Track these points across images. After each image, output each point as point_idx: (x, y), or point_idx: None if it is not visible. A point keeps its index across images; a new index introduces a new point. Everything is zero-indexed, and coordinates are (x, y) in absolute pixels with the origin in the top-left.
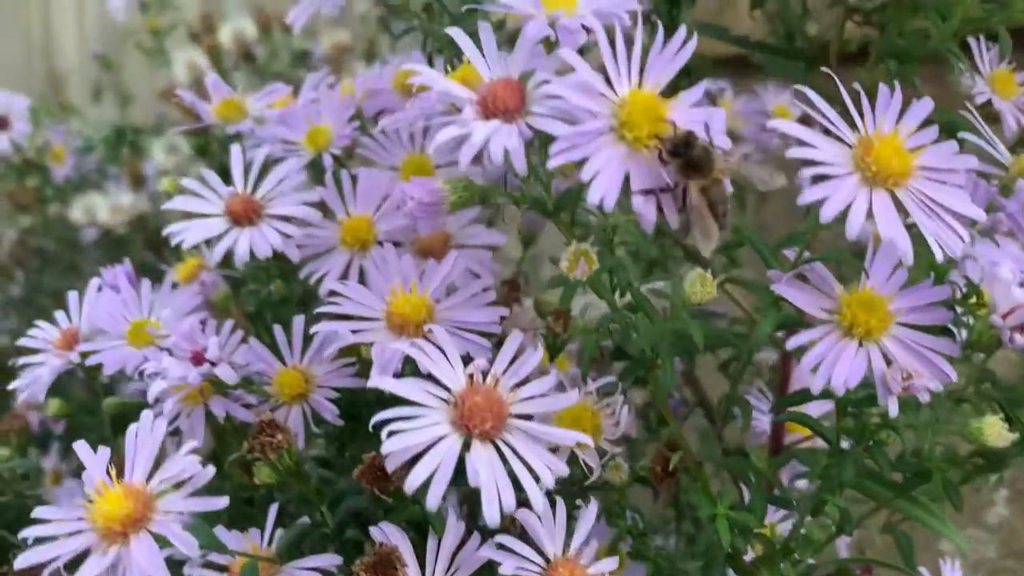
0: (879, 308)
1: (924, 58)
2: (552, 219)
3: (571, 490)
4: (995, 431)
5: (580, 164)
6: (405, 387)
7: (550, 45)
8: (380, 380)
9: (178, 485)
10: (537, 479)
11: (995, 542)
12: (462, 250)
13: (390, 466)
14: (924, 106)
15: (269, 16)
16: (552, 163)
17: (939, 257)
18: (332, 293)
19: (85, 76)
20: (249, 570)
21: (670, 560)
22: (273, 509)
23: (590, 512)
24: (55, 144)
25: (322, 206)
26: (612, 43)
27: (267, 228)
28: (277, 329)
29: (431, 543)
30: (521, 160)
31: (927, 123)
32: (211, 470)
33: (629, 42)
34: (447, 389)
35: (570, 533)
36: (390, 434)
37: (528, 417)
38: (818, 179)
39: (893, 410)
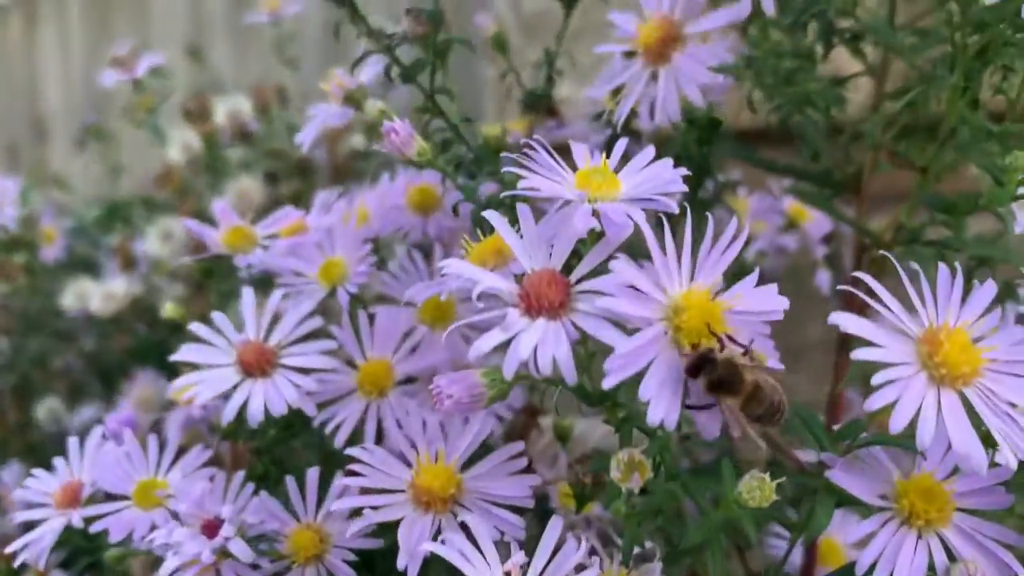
0: (939, 496)
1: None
2: (595, 406)
3: None
4: None
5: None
6: None
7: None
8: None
9: None
10: None
11: None
12: None
13: None
14: (987, 291)
15: (266, 92)
16: (608, 382)
17: (1011, 462)
18: (352, 459)
19: (69, 120)
20: None
21: None
22: None
23: None
24: (45, 225)
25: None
26: (658, 233)
27: (282, 380)
28: (290, 481)
29: None
30: (571, 370)
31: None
32: None
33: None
34: None
35: None
36: None
37: None
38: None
39: None
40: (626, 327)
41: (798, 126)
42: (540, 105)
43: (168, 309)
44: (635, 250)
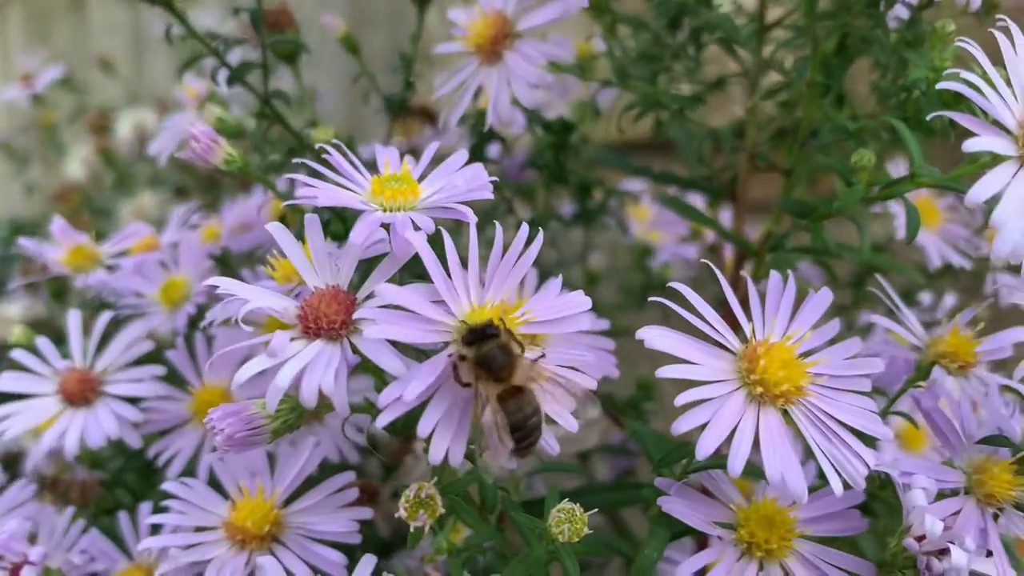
0: (781, 524)
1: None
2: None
3: None
4: None
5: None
6: None
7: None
8: None
9: None
10: None
11: None
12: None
13: None
14: (821, 299)
15: (169, 103)
16: (381, 421)
17: (836, 489)
18: (166, 496)
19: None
20: None
21: None
22: None
23: None
24: None
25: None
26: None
27: (103, 411)
28: (123, 516)
29: None
30: (343, 399)
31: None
32: None
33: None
34: None
35: None
36: None
37: None
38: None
39: None
40: (425, 351)
41: (675, 133)
42: (398, 109)
43: (17, 335)
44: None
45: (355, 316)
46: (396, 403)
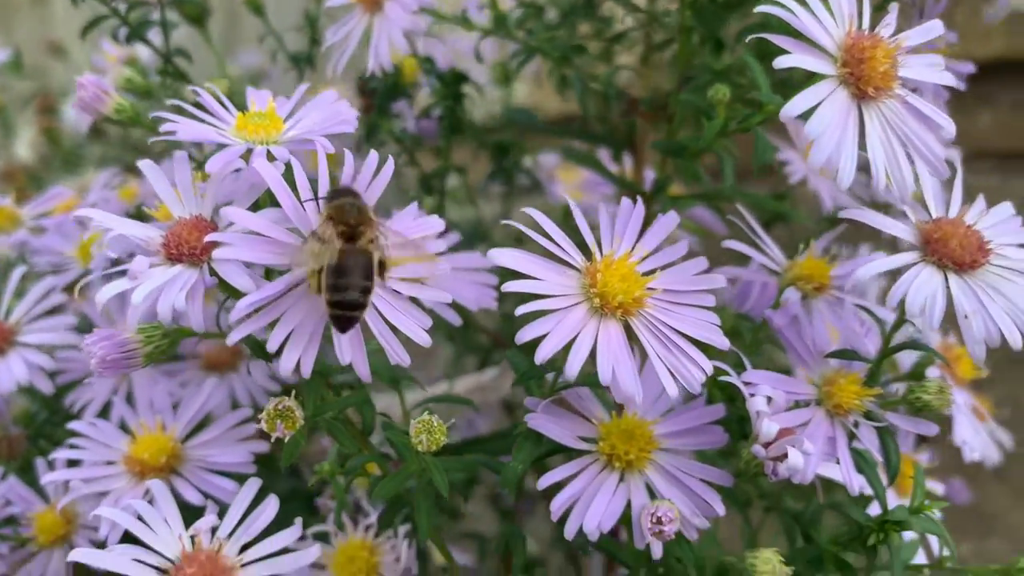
0: (640, 436)
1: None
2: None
3: None
4: (768, 568)
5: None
6: (113, 560)
7: None
8: (83, 554)
9: None
10: None
11: None
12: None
13: None
14: (667, 221)
15: None
16: (232, 338)
17: (671, 391)
18: (72, 433)
19: None
20: None
21: None
22: None
23: None
24: None
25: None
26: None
27: (15, 359)
28: (40, 463)
29: None
30: (198, 317)
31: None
32: None
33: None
34: (165, 557)
35: None
36: None
37: None
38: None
39: (656, 552)
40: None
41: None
42: (305, 65)
43: None
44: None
45: (208, 238)
46: (244, 320)
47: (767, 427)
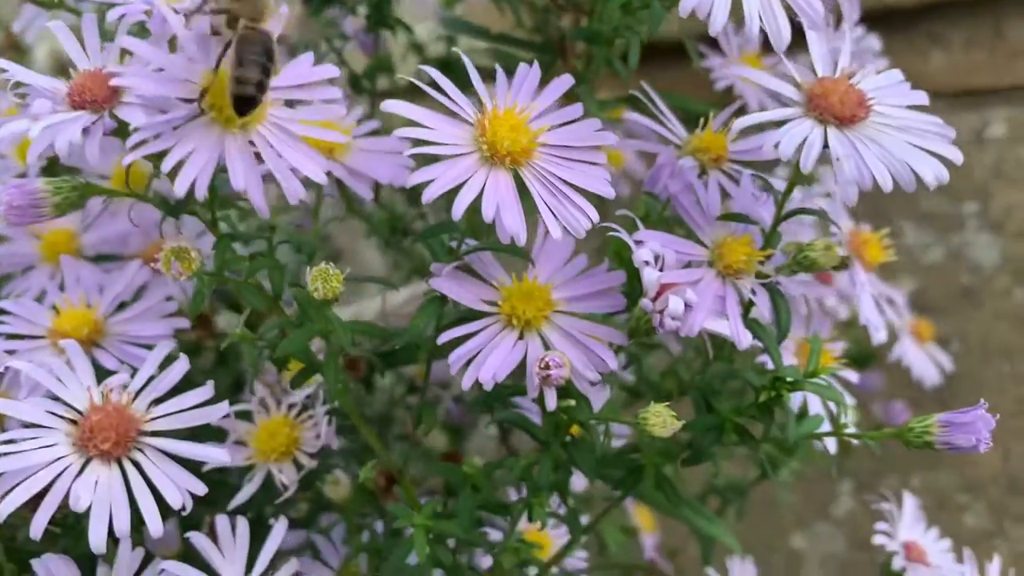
0: (540, 297)
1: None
2: (192, 215)
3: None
4: (659, 420)
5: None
6: (24, 409)
7: None
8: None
9: None
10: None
11: (843, 535)
12: None
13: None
14: (562, 83)
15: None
16: (129, 157)
17: (555, 233)
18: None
19: None
20: None
21: None
22: None
23: (277, 529)
24: None
25: None
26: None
27: None
28: None
29: (101, 572)
30: (93, 152)
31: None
32: None
33: None
34: (76, 410)
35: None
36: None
37: (166, 434)
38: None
39: (551, 403)
40: None
41: None
42: None
43: None
44: None
45: (112, 83)
46: (139, 145)
47: (648, 274)
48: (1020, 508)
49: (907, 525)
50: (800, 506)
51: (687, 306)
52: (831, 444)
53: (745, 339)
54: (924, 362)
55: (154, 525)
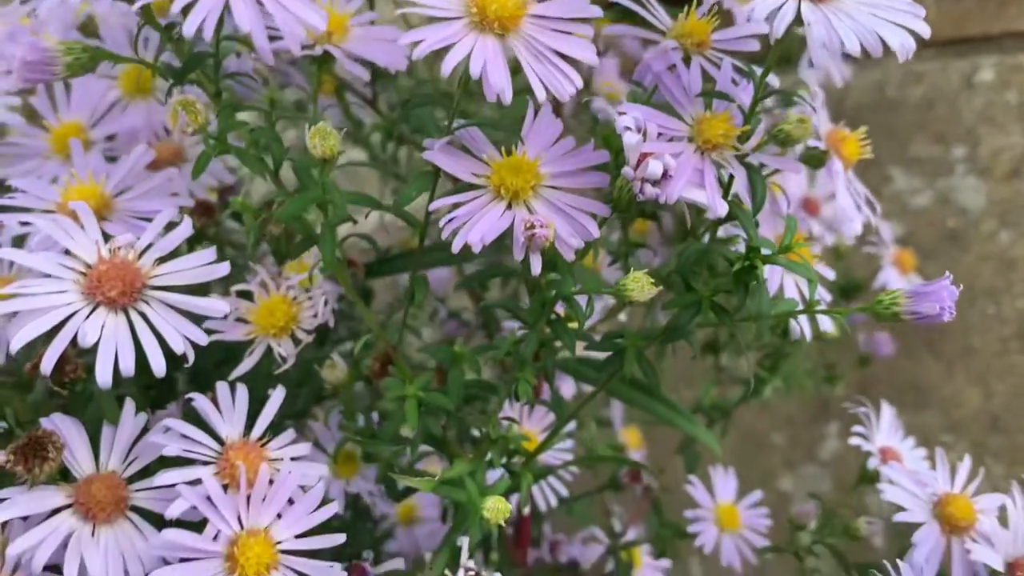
0: (528, 171)
1: None
2: (198, 85)
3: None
4: (638, 285)
5: None
6: (37, 260)
7: None
8: (9, 252)
9: None
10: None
11: (829, 476)
12: None
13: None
14: None
15: None
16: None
17: (539, 95)
18: (10, 189)
19: None
20: None
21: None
22: None
23: (275, 396)
24: None
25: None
26: None
27: None
28: None
29: (106, 432)
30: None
31: None
32: None
33: None
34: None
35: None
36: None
37: (170, 289)
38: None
39: (535, 267)
40: None
41: None
42: None
43: None
44: None
45: None
46: None
47: (629, 138)
48: (1000, 445)
49: (884, 432)
50: (787, 449)
51: (666, 175)
52: (807, 329)
53: (721, 208)
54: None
55: (157, 365)
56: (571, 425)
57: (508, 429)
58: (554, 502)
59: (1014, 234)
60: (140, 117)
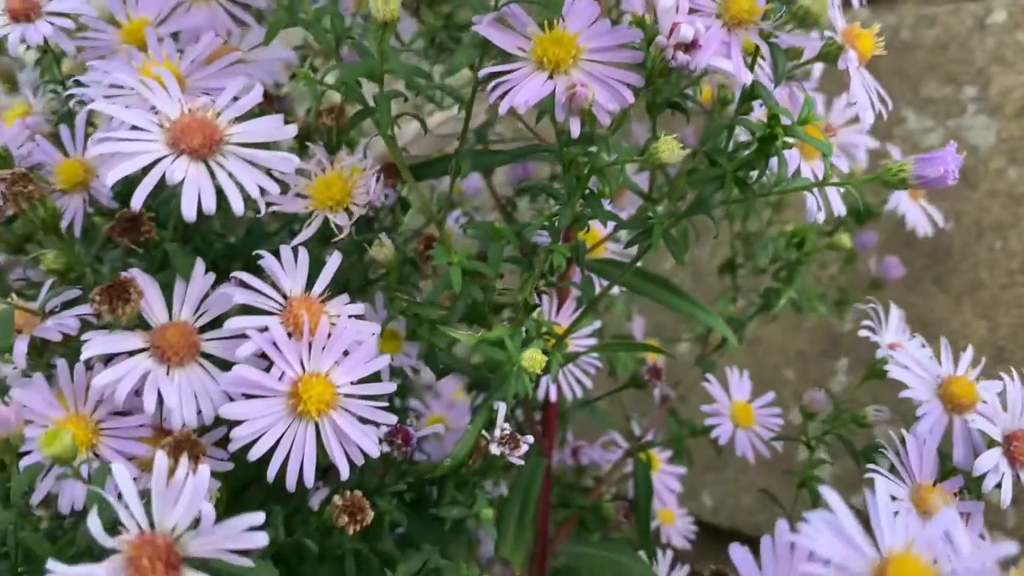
0: (568, 44)
1: None
2: None
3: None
4: (668, 148)
5: None
6: (128, 113)
7: None
8: (103, 104)
9: None
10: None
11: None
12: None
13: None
14: None
15: None
16: None
17: None
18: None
19: None
20: None
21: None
22: None
23: (332, 261)
24: None
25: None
26: None
27: (42, 23)
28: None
29: (179, 286)
30: None
31: None
32: None
33: None
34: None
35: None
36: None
37: (245, 144)
38: None
39: (575, 130)
40: None
41: None
42: None
43: None
44: None
45: None
46: None
47: (663, 4)
48: None
49: (892, 330)
50: (797, 383)
51: (696, 43)
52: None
53: (746, 76)
54: (918, 213)
55: (236, 204)
56: (597, 324)
57: (539, 314)
58: (579, 392)
59: (1022, 171)
60: (203, 17)
